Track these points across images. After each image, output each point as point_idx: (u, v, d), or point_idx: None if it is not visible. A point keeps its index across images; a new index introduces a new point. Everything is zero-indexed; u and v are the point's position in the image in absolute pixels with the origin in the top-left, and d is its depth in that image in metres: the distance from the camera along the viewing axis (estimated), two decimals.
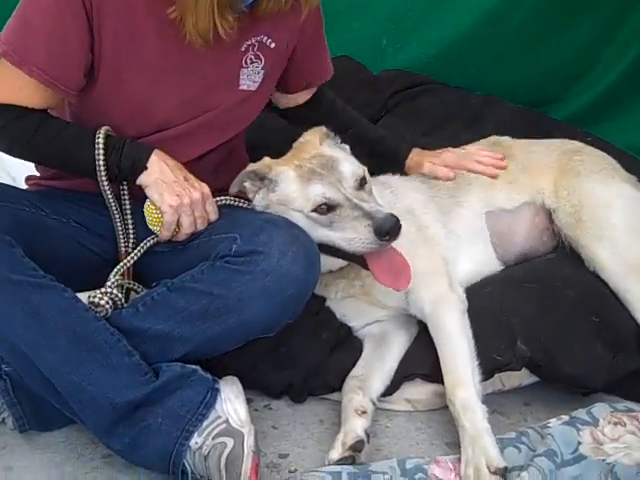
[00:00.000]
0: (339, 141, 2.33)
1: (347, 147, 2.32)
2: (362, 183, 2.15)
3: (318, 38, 2.43)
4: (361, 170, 2.18)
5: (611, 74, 3.59)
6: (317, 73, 2.52)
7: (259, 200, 2.21)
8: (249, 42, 2.18)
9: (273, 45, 2.23)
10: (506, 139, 2.72)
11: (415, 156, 2.59)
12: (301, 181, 2.14)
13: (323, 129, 2.32)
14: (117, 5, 2.01)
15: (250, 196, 2.22)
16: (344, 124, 2.54)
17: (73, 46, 2.02)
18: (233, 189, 2.23)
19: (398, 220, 2.00)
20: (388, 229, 1.99)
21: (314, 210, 2.10)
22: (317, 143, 2.27)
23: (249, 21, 2.12)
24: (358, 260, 2.11)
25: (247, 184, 2.22)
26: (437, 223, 2.44)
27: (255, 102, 2.32)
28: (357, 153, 2.34)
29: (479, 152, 2.59)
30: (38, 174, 2.36)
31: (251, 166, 2.22)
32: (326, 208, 2.09)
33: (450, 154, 2.59)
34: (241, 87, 2.23)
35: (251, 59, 2.21)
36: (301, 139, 2.32)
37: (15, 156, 2.19)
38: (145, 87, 2.12)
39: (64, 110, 2.19)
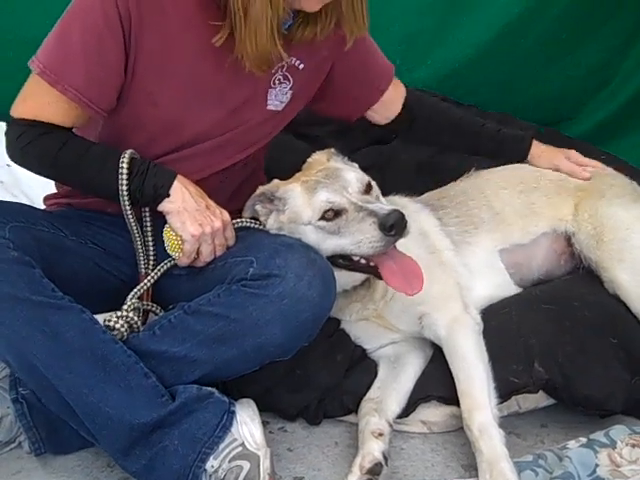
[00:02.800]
0: (346, 159, 2.34)
1: (355, 165, 2.32)
2: (368, 189, 2.16)
3: (366, 54, 2.43)
4: (366, 178, 2.19)
5: (625, 91, 3.59)
6: (381, 77, 2.53)
7: (271, 223, 2.22)
8: (279, 64, 2.18)
9: (302, 67, 2.24)
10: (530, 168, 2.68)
11: (542, 148, 2.63)
12: (307, 193, 2.15)
13: (331, 150, 2.34)
14: (154, 29, 2.02)
15: (262, 219, 2.23)
16: (453, 118, 2.59)
17: (110, 67, 2.03)
18: (246, 213, 2.24)
19: (403, 215, 1.99)
20: (393, 222, 1.98)
21: (321, 218, 2.10)
22: (324, 161, 2.29)
23: (282, 43, 2.11)
24: (371, 270, 2.11)
25: (258, 207, 2.23)
26: (450, 250, 2.43)
27: (278, 122, 2.33)
28: (477, 143, 2.54)
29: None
30: (56, 191, 2.38)
31: (260, 188, 2.24)
32: (332, 214, 2.09)
33: (573, 153, 2.63)
34: (269, 107, 2.25)
35: (279, 80, 2.22)
36: (309, 159, 2.34)
37: (39, 173, 2.18)
38: (175, 109, 2.13)
39: (89, 128, 2.20)
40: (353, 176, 2.16)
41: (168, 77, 2.09)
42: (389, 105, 2.58)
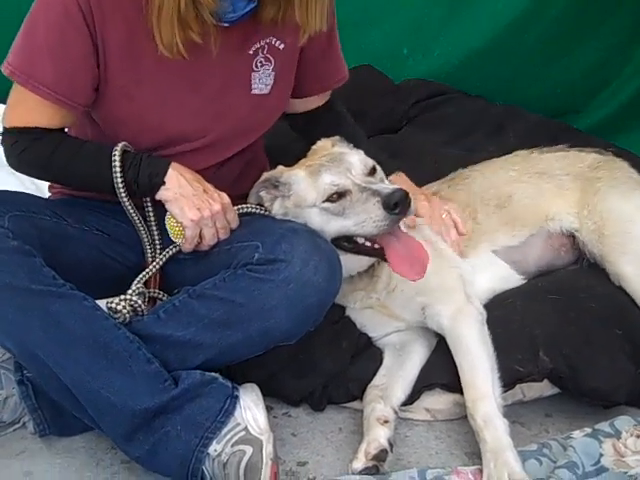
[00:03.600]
0: (352, 146, 2.33)
1: (361, 151, 2.28)
2: (372, 172, 2.15)
3: (330, 39, 2.38)
4: (370, 161, 2.18)
5: (632, 84, 3.58)
6: (331, 75, 2.47)
7: (277, 209, 2.21)
8: (257, 45, 2.17)
9: (282, 46, 2.21)
10: (511, 172, 2.61)
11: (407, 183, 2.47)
12: (311, 176, 2.15)
13: (336, 137, 2.34)
14: (118, 19, 2.01)
15: (267, 205, 2.22)
16: (348, 138, 2.45)
17: (78, 62, 2.03)
18: (251, 199, 2.24)
19: (407, 193, 1.99)
20: (397, 200, 1.97)
21: (326, 200, 2.10)
22: (329, 147, 2.29)
23: (253, 25, 2.11)
24: (377, 252, 2.10)
25: (263, 193, 2.23)
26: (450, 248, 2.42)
27: (270, 105, 2.30)
28: None
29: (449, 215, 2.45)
30: None
31: (264, 175, 2.23)
32: (337, 196, 2.08)
33: (435, 199, 2.47)
34: (254, 91, 2.22)
35: (261, 62, 2.20)
36: (314, 146, 2.34)
37: (37, 178, 2.23)
38: (154, 102, 2.12)
39: (83, 128, 2.20)
40: (357, 159, 2.16)
41: (138, 69, 2.08)
42: (308, 105, 2.54)
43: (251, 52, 2.18)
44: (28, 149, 2.10)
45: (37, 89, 2.02)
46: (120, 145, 2.07)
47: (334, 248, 2.07)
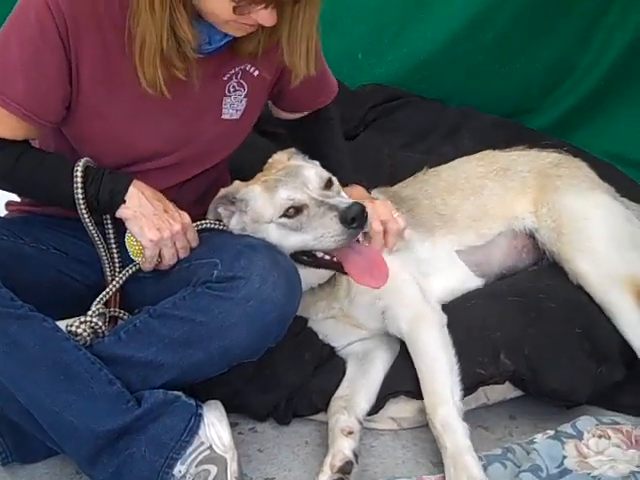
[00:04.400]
0: (307, 157, 2.33)
1: (317, 162, 2.29)
2: (328, 185, 2.15)
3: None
4: (326, 173, 2.18)
5: (586, 82, 3.63)
6: (320, 92, 2.46)
7: (234, 224, 2.20)
8: (232, 71, 2.15)
9: (256, 73, 2.19)
10: (478, 168, 2.64)
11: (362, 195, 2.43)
12: (267, 192, 2.14)
13: (292, 149, 2.33)
14: (93, 39, 1.98)
15: (225, 221, 2.21)
16: (324, 145, 2.47)
17: (51, 79, 1.99)
18: (209, 216, 2.22)
19: (364, 207, 1.99)
20: (353, 215, 1.97)
21: (283, 215, 2.09)
22: (285, 160, 2.28)
23: (229, 53, 2.10)
24: (335, 265, 2.10)
25: (220, 210, 2.22)
26: (408, 247, 2.42)
27: (239, 130, 2.28)
28: None
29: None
30: (19, 200, 2.34)
31: (221, 191, 2.22)
32: (294, 211, 2.08)
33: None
34: (224, 116, 2.20)
35: (234, 87, 2.18)
36: (270, 160, 2.33)
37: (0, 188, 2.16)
38: (125, 122, 2.09)
39: (48, 140, 2.17)
40: (313, 172, 2.15)
41: (112, 88, 2.05)
42: (297, 116, 2.52)
43: (225, 78, 2.16)
44: None
45: (7, 105, 1.98)
46: (83, 160, 2.05)
47: (293, 263, 2.07)
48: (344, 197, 2.14)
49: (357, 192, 2.32)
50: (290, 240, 2.10)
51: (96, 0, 1.96)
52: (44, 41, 1.95)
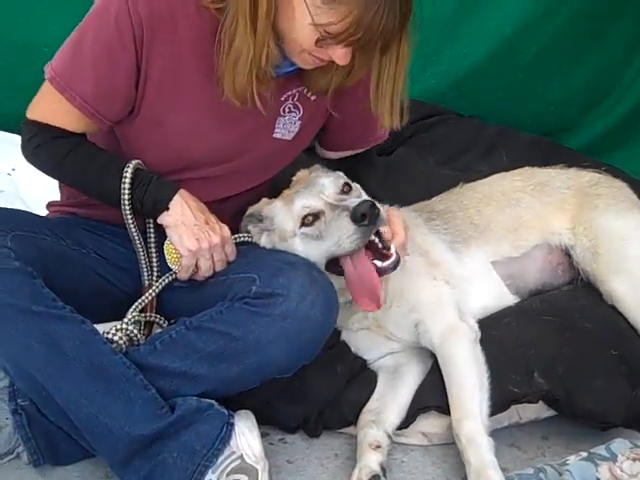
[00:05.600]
0: (328, 170, 2.32)
1: (340, 172, 2.27)
2: (346, 190, 2.16)
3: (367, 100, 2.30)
4: (342, 179, 2.18)
5: (625, 103, 3.62)
6: (363, 137, 2.43)
7: (265, 242, 2.23)
8: (290, 92, 2.16)
9: (313, 98, 2.20)
10: (515, 183, 2.63)
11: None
12: (286, 205, 2.17)
13: (316, 165, 2.35)
14: (166, 47, 2.02)
15: (255, 239, 2.23)
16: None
17: (119, 81, 2.03)
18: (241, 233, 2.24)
19: (373, 203, 2.00)
20: (363, 211, 1.98)
21: (302, 225, 2.11)
22: (308, 175, 2.29)
23: (295, 75, 2.11)
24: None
25: (250, 227, 2.24)
26: (445, 252, 2.42)
27: (288, 152, 2.30)
28: None
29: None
30: (61, 200, 2.39)
31: (249, 210, 2.25)
32: (312, 219, 2.10)
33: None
34: (275, 135, 2.21)
35: (289, 108, 2.19)
36: (294, 177, 2.34)
37: (47, 174, 2.20)
38: (182, 131, 2.12)
39: (101, 137, 2.20)
40: (329, 180, 2.17)
41: (175, 99, 2.08)
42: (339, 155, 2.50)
43: (282, 98, 2.17)
44: (45, 145, 2.10)
45: (73, 99, 2.03)
46: (134, 162, 2.08)
47: (331, 282, 2.07)
48: (362, 197, 2.13)
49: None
50: (315, 250, 2.11)
51: (174, 10, 1.99)
52: (120, 44, 1.98)
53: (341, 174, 2.23)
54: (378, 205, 2.02)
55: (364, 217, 1.98)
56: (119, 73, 2.02)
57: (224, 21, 1.94)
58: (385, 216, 2.08)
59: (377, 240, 2.10)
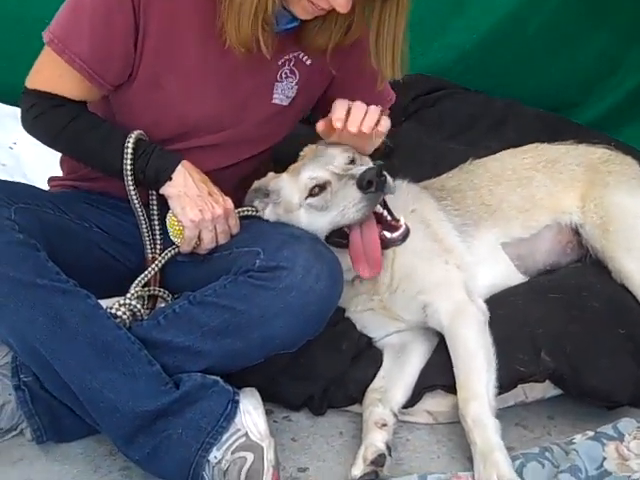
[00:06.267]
0: None
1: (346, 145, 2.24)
2: (353, 162, 2.14)
3: (361, 71, 2.25)
4: (350, 151, 2.17)
5: (632, 79, 3.60)
6: (379, 97, 2.36)
7: (269, 215, 2.22)
8: (286, 57, 2.17)
9: (309, 62, 2.21)
10: (526, 160, 2.60)
11: None
12: (293, 177, 2.16)
13: (322, 141, 2.30)
14: (163, 8, 2.02)
15: (260, 213, 2.22)
16: None
17: (116, 41, 2.02)
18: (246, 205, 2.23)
19: (380, 169, 1.98)
20: (369, 178, 1.97)
21: (309, 196, 2.10)
22: (315, 149, 2.27)
23: (289, 39, 2.11)
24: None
25: (256, 203, 2.23)
26: (454, 236, 2.40)
27: (287, 118, 2.29)
28: None
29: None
30: (61, 174, 2.37)
31: (255, 184, 2.24)
32: (318, 190, 2.09)
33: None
34: (274, 100, 2.21)
35: (286, 73, 2.19)
36: (301, 152, 2.33)
37: (47, 144, 2.19)
38: (180, 93, 2.11)
39: (101, 106, 2.19)
40: (337, 150, 2.15)
41: (173, 60, 2.07)
42: None
43: (279, 63, 2.17)
44: (45, 114, 2.09)
45: (72, 61, 2.01)
46: (136, 132, 2.08)
47: (335, 256, 2.06)
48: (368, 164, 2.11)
49: None
50: (321, 221, 2.10)
51: None
52: (117, 2, 1.98)
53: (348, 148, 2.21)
54: (384, 172, 2.00)
55: (370, 184, 1.97)
56: (117, 32, 2.01)
57: None
58: (392, 183, 2.05)
59: (385, 212, 2.09)
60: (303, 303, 1.94)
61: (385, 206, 2.11)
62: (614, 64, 3.61)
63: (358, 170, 2.02)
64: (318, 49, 2.14)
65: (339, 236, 2.12)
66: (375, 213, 2.07)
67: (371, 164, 2.15)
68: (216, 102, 2.14)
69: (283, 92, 2.21)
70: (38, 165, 2.84)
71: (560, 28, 3.51)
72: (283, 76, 2.19)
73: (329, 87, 2.33)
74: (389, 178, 2.03)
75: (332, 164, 2.11)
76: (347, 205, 2.02)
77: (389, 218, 2.09)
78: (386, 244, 2.08)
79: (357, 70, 2.20)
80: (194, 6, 2.04)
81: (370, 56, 2.08)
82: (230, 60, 2.08)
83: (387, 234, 2.08)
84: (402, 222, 2.09)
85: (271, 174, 2.26)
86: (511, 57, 3.54)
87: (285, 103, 2.23)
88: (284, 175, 2.21)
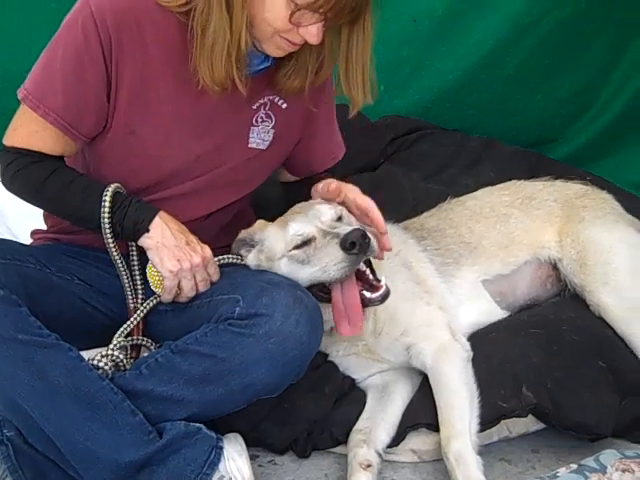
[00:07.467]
0: None
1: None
2: (340, 219, 2.16)
3: (328, 119, 2.39)
4: (339, 208, 2.18)
5: (608, 113, 3.62)
6: (325, 157, 2.47)
7: (251, 260, 2.22)
8: (261, 100, 2.19)
9: (285, 106, 2.23)
10: (503, 197, 2.65)
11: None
12: (281, 229, 2.16)
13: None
14: (135, 59, 2.04)
15: (245, 261, 2.24)
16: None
17: (89, 94, 2.05)
18: (233, 254, 2.25)
19: (364, 232, 1.99)
20: (353, 240, 1.97)
21: (293, 248, 2.11)
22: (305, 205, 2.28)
23: (264, 81, 2.14)
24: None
25: (242, 252, 2.24)
26: (435, 277, 2.42)
27: (265, 162, 2.31)
28: None
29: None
30: (45, 228, 2.38)
31: (241, 233, 2.24)
32: (302, 243, 2.10)
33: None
34: (250, 145, 2.23)
35: (262, 117, 2.22)
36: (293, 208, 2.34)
37: (26, 200, 2.20)
38: (156, 140, 2.13)
39: (78, 159, 2.21)
40: (326, 207, 2.17)
41: (147, 109, 2.10)
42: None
43: (254, 107, 2.20)
44: (23, 170, 2.10)
45: (47, 115, 2.04)
46: (113, 185, 2.09)
47: (315, 301, 2.07)
48: (353, 225, 2.12)
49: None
50: (301, 274, 2.10)
51: (140, 17, 2.01)
52: (87, 54, 2.01)
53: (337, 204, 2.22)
54: (369, 235, 2.01)
55: (354, 245, 1.98)
56: (89, 85, 2.04)
57: (195, 11, 1.97)
58: (376, 247, 2.07)
59: (368, 271, 2.10)
60: (283, 349, 1.95)
61: (369, 265, 2.11)
62: (589, 100, 3.64)
63: (344, 230, 2.03)
64: (293, 91, 2.16)
65: (320, 290, 2.12)
66: (358, 270, 2.07)
67: (357, 225, 2.15)
68: (192, 146, 2.16)
69: (259, 136, 2.23)
70: (22, 219, 2.85)
71: (536, 67, 3.53)
72: (259, 120, 2.21)
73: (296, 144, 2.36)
74: (373, 241, 2.04)
75: (321, 219, 2.12)
76: (329, 263, 2.02)
77: (371, 277, 2.10)
78: (365, 303, 2.09)
79: (321, 126, 2.28)
80: (165, 53, 2.06)
81: (342, 86, 2.11)
82: (205, 103, 2.10)
83: (367, 294, 2.09)
84: (383, 282, 2.09)
85: (259, 222, 2.27)
86: (487, 97, 3.57)
87: (262, 147, 2.25)
88: (271, 226, 2.21)
